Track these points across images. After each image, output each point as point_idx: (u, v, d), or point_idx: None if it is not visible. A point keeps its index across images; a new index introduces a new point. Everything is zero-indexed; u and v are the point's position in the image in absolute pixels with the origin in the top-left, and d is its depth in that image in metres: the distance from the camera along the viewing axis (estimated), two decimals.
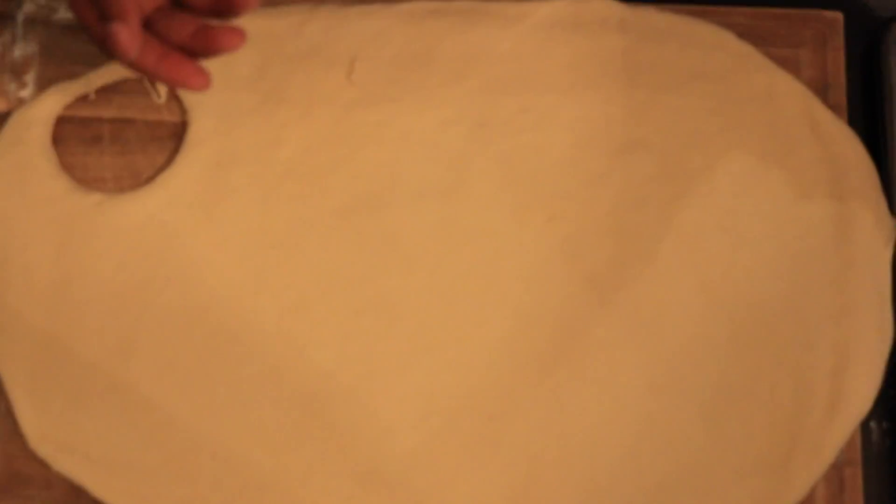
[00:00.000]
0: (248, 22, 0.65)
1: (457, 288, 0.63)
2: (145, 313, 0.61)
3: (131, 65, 0.54)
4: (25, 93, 0.64)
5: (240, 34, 0.54)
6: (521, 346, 0.62)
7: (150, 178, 0.63)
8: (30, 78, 0.64)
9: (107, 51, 0.54)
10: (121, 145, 0.64)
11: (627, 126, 0.66)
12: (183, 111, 0.65)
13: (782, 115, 0.66)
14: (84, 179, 0.64)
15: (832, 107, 0.67)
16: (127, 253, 0.62)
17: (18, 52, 0.65)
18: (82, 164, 0.64)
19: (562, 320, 0.63)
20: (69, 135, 0.64)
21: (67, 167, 0.63)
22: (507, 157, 0.65)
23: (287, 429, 0.61)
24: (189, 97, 0.65)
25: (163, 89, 0.65)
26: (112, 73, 0.64)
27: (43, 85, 0.64)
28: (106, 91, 0.65)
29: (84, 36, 0.65)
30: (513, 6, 0.67)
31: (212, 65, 0.65)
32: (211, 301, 0.62)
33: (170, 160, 0.64)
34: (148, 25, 0.55)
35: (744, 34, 0.67)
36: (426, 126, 0.65)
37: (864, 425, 0.63)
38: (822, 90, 0.67)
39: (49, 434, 0.60)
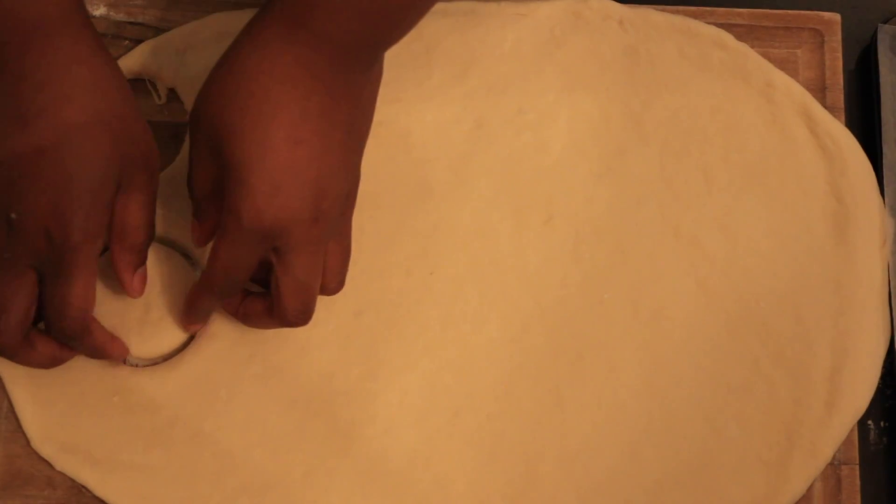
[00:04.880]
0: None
1: (457, 288, 0.63)
2: None
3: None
4: None
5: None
6: (520, 345, 0.63)
7: None
8: None
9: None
10: None
11: (627, 126, 0.66)
12: (183, 112, 0.65)
13: (780, 115, 0.66)
14: None
15: (830, 107, 0.67)
16: None
17: None
18: None
19: (561, 319, 0.63)
20: None
21: None
22: (506, 157, 0.65)
23: (288, 428, 0.61)
24: (189, 98, 0.65)
25: (163, 91, 0.65)
26: None
27: None
28: None
29: None
30: (513, 6, 0.67)
31: (211, 66, 0.65)
32: None
33: (170, 161, 0.64)
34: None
35: (742, 35, 0.68)
36: (426, 126, 0.65)
37: (862, 424, 0.63)
38: (819, 90, 0.67)
39: (51, 434, 0.60)
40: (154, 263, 0.60)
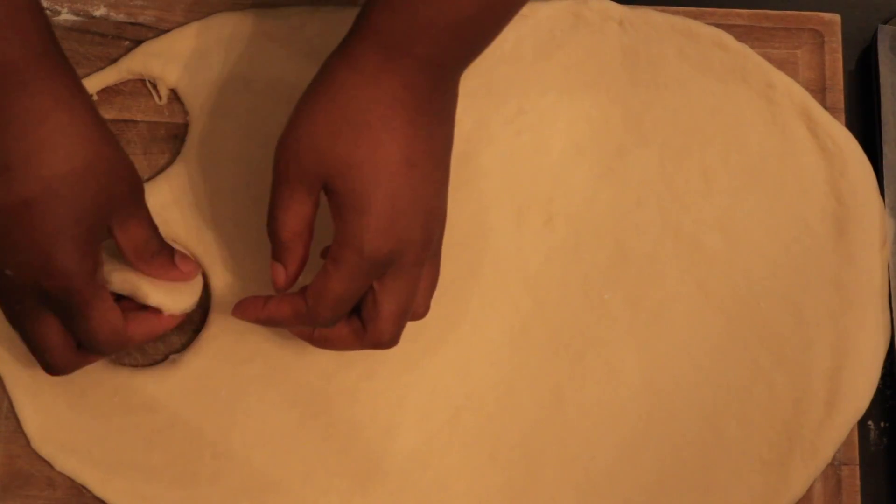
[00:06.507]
0: (248, 24, 0.66)
1: (457, 288, 0.63)
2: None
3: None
4: None
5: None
6: (520, 345, 0.63)
7: (152, 178, 0.64)
8: None
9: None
10: (122, 146, 0.64)
11: (627, 126, 0.66)
12: (183, 112, 0.65)
13: (780, 115, 0.67)
14: None
15: (830, 108, 0.67)
16: None
17: None
18: None
19: (561, 320, 0.63)
20: None
21: None
22: (506, 157, 0.65)
23: (288, 429, 0.61)
24: (189, 99, 0.65)
25: (164, 91, 0.65)
26: (114, 74, 0.65)
27: None
28: (108, 92, 0.65)
29: (87, 37, 0.65)
30: None
31: (211, 66, 0.65)
32: (212, 300, 0.62)
33: (171, 161, 0.64)
34: None
35: (742, 35, 0.68)
36: None
37: (862, 424, 0.64)
38: (819, 91, 0.67)
39: (51, 434, 0.60)
40: None
